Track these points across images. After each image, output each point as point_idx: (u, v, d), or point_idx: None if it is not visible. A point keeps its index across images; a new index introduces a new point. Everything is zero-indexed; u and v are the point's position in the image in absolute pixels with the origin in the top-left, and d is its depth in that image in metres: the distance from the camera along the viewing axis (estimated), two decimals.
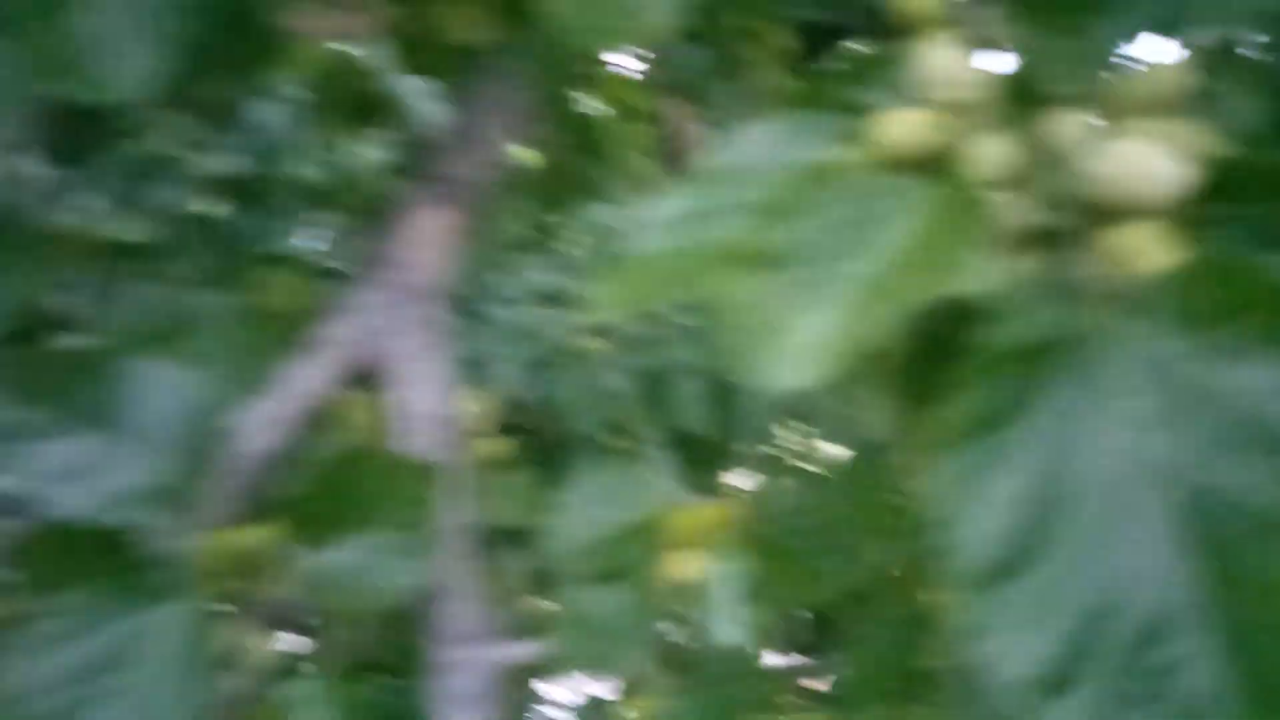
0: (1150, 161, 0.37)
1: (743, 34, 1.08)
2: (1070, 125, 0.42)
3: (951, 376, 0.33)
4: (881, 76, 0.45)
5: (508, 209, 1.17)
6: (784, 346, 0.35)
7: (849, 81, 0.45)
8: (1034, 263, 0.39)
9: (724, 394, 1.55)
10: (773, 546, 0.59)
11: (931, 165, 0.40)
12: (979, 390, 0.33)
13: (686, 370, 1.56)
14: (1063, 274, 0.38)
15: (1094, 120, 0.42)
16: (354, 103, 1.11)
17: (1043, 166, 0.40)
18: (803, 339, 0.35)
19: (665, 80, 1.11)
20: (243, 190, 1.61)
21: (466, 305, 1.30)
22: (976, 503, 0.31)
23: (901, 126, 0.40)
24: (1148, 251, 0.36)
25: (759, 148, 0.41)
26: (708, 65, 0.99)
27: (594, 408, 1.53)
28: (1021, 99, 0.42)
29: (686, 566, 0.59)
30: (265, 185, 1.59)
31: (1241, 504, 0.29)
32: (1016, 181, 0.40)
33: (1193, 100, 0.43)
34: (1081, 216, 0.38)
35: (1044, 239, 0.39)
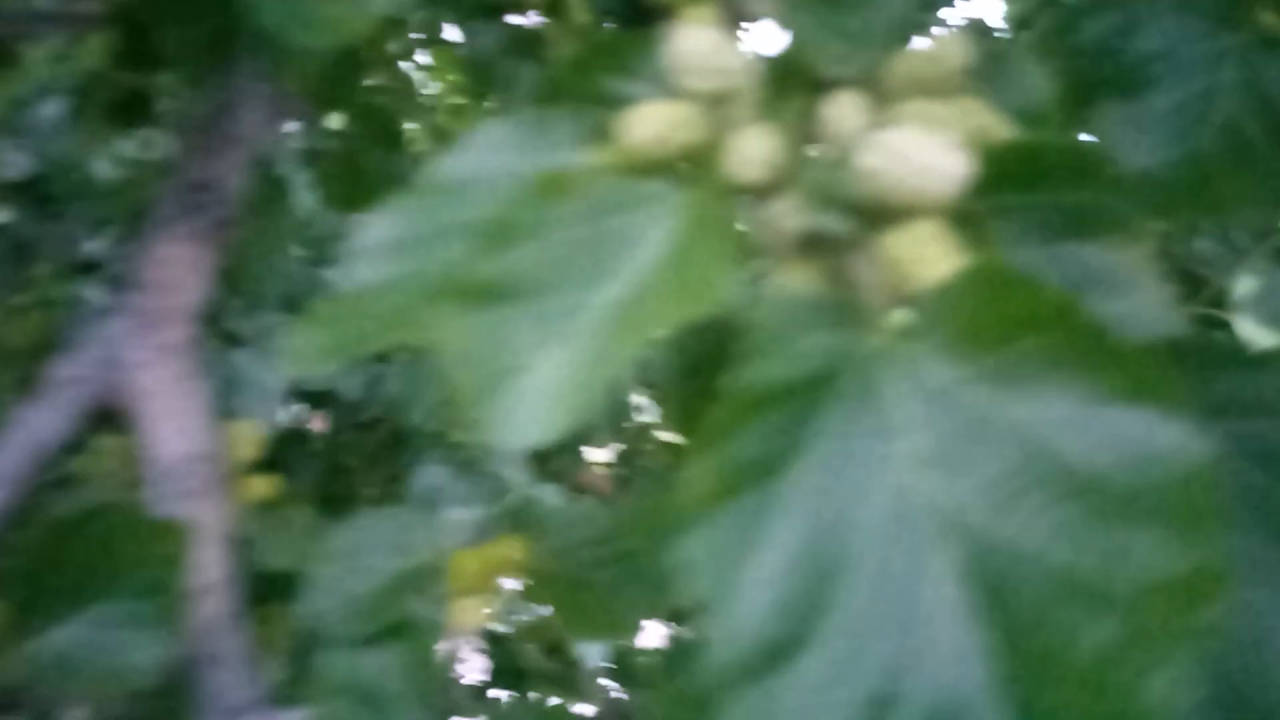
0: (924, 152, 0.32)
1: (540, 8, 1.01)
2: (846, 113, 0.37)
3: (709, 423, 0.28)
4: (642, 63, 0.40)
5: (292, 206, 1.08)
6: (517, 395, 0.29)
7: (605, 70, 0.40)
8: (809, 277, 0.34)
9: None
10: (568, 581, 0.53)
11: (686, 167, 0.34)
12: (739, 438, 0.28)
13: None
14: (842, 289, 0.33)
15: (871, 106, 0.38)
16: (119, 102, 1.01)
17: (815, 163, 0.35)
18: (538, 384, 0.29)
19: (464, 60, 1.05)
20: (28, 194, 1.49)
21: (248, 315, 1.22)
22: (740, 576, 0.26)
23: (648, 124, 0.35)
24: (928, 257, 0.32)
25: (492, 154, 0.35)
26: (502, 44, 0.93)
27: (430, 400, 1.46)
28: (791, 85, 0.37)
29: (472, 614, 0.53)
30: (49, 189, 1.47)
31: (1035, 560, 0.25)
32: (785, 182, 0.35)
33: (980, 76, 0.39)
34: (858, 219, 0.34)
35: (820, 248, 0.34)
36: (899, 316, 0.31)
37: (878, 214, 0.33)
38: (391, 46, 1.33)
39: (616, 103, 0.37)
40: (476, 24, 0.94)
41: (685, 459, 0.29)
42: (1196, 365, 0.32)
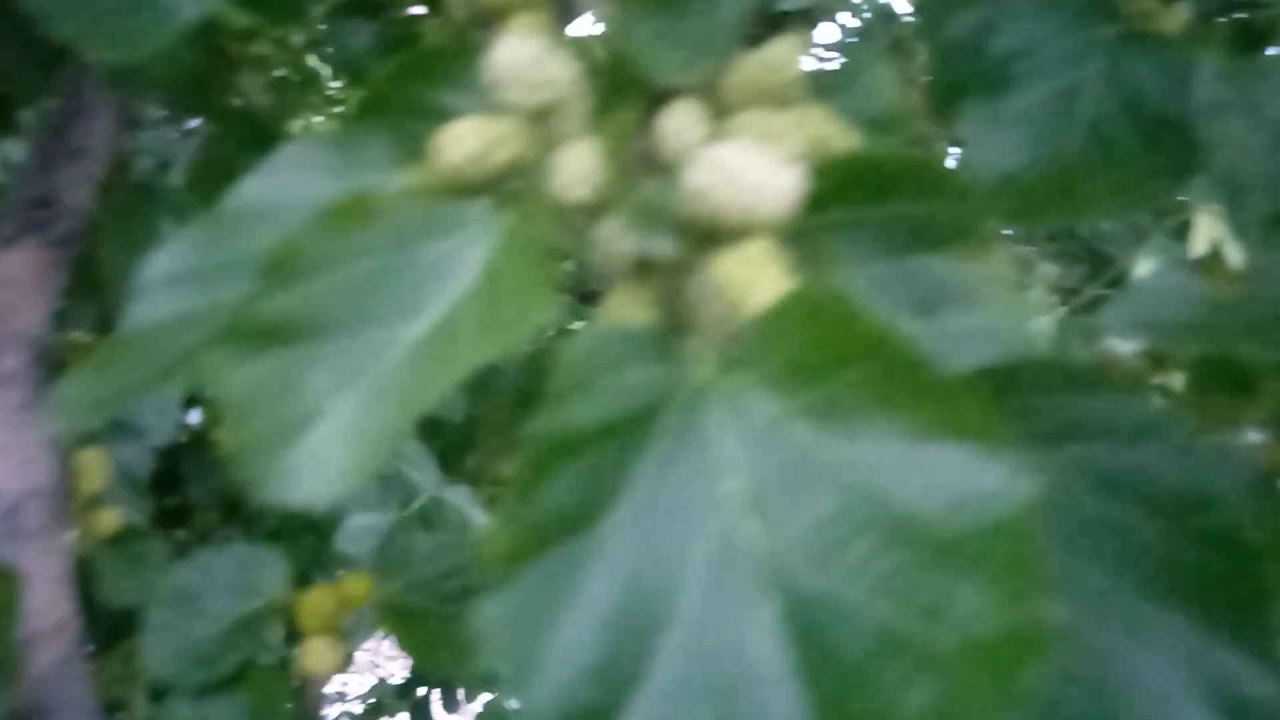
0: (754, 169, 0.30)
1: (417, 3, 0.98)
2: (681, 126, 0.35)
3: (515, 472, 0.26)
4: (468, 74, 0.37)
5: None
6: (305, 447, 0.27)
7: (427, 82, 0.37)
8: (641, 304, 0.32)
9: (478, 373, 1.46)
10: (416, 615, 0.51)
11: (502, 189, 0.32)
12: (546, 488, 0.26)
13: None
14: (674, 317, 0.31)
15: (708, 118, 0.35)
16: None
17: (644, 181, 0.33)
18: (329, 434, 0.27)
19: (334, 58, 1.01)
20: None
21: None
22: (546, 642, 0.23)
23: (465, 141, 0.32)
24: (759, 282, 0.30)
25: (295, 176, 0.32)
26: (372, 41, 0.89)
27: None
28: (622, 96, 0.35)
29: (324, 656, 0.50)
30: None
31: (857, 615, 0.23)
32: (615, 202, 0.33)
33: (832, 82, 0.37)
34: (687, 241, 0.31)
35: (651, 273, 0.32)
36: (728, 346, 0.29)
37: (708, 235, 0.31)
38: (296, 39, 1.29)
39: (437, 118, 0.35)
40: (346, 21, 0.90)
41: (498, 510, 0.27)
42: (1041, 388, 0.31)
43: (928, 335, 0.35)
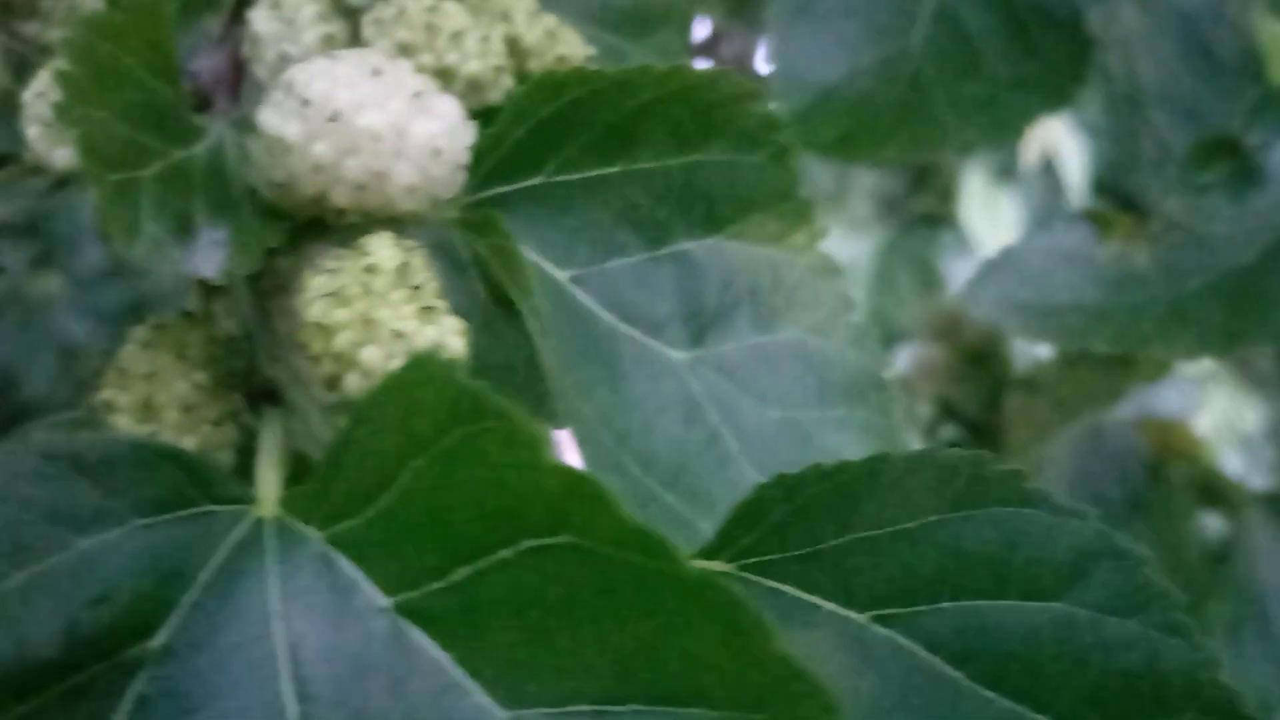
0: (388, 109, 0.16)
1: None
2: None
3: None
4: None
5: None
6: None
7: None
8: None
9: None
10: None
11: None
12: None
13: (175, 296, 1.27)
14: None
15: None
16: None
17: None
18: None
19: None
20: None
21: None
22: None
23: None
24: (370, 336, 0.16)
25: None
26: None
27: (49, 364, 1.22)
28: None
29: None
30: None
31: None
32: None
33: None
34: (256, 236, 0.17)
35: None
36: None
37: (301, 227, 0.17)
38: None
39: None
40: None
41: None
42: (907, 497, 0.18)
43: (703, 372, 0.21)
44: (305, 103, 0.17)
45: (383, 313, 0.17)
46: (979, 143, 0.33)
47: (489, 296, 0.21)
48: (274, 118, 0.17)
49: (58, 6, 0.19)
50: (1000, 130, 0.32)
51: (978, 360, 0.47)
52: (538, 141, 0.20)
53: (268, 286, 0.18)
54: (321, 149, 0.17)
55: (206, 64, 0.21)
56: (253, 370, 0.19)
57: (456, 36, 0.20)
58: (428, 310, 0.17)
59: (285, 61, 0.20)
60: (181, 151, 0.18)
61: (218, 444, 0.18)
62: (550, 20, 0.22)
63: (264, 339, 0.18)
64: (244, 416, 0.18)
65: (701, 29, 0.65)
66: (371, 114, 0.17)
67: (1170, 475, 0.42)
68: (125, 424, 0.17)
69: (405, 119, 0.17)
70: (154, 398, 0.18)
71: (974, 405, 0.46)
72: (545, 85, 0.19)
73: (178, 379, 0.18)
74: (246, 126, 0.19)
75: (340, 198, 0.17)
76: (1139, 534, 0.41)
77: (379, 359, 0.16)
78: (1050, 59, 0.32)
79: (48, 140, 0.19)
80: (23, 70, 0.20)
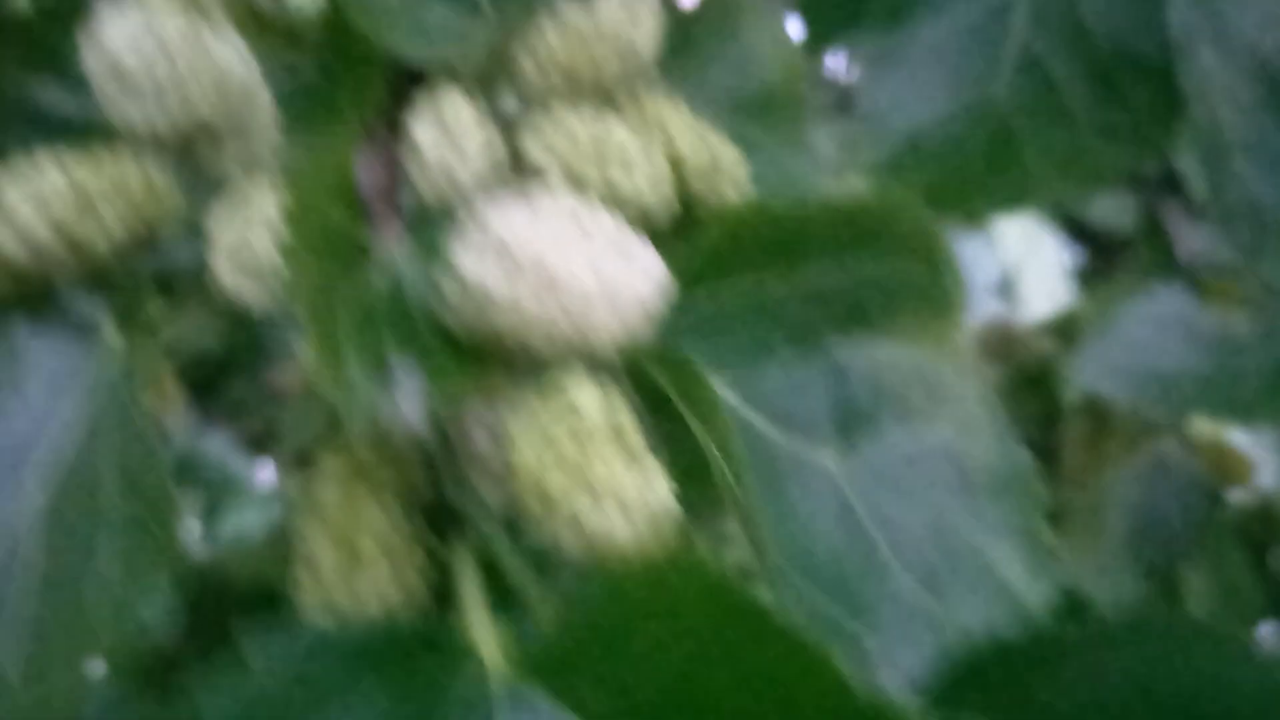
0: (577, 257, 0.16)
1: None
2: (438, 138, 0.20)
3: None
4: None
5: None
6: None
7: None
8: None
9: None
10: None
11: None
12: None
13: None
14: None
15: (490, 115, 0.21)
16: None
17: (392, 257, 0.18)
18: None
19: None
20: None
21: None
22: None
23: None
24: (601, 506, 0.16)
25: None
26: None
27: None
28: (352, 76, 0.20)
29: None
30: None
31: None
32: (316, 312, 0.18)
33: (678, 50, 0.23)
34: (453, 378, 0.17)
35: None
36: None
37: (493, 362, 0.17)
38: None
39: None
40: None
41: None
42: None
43: (856, 476, 0.22)
44: (507, 252, 0.17)
45: (592, 461, 0.16)
46: (1069, 194, 0.33)
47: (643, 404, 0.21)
48: (475, 264, 0.17)
49: (232, 144, 0.19)
50: (1091, 182, 0.32)
51: (1033, 383, 0.47)
52: (710, 271, 0.20)
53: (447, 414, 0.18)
54: (529, 304, 0.17)
55: (365, 175, 0.20)
56: (435, 497, 0.19)
57: (627, 165, 0.20)
58: (633, 455, 0.17)
59: (454, 187, 0.20)
60: (365, 285, 0.18)
61: (421, 590, 0.18)
62: (701, 128, 0.22)
63: (448, 466, 0.18)
64: (435, 548, 0.18)
65: None
66: (581, 272, 0.17)
67: (1228, 505, 0.43)
68: (329, 574, 0.17)
69: (613, 276, 0.17)
70: (357, 542, 0.17)
71: (1031, 427, 0.47)
72: (729, 232, 0.19)
73: (377, 515, 0.17)
74: (428, 256, 0.19)
75: (539, 345, 0.17)
76: (1199, 565, 0.41)
77: (593, 516, 0.16)
78: (1139, 109, 0.32)
79: (237, 275, 0.18)
80: (197, 192, 0.19)
